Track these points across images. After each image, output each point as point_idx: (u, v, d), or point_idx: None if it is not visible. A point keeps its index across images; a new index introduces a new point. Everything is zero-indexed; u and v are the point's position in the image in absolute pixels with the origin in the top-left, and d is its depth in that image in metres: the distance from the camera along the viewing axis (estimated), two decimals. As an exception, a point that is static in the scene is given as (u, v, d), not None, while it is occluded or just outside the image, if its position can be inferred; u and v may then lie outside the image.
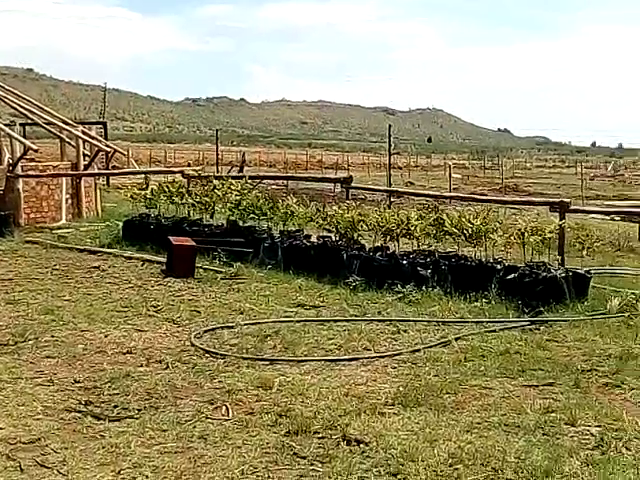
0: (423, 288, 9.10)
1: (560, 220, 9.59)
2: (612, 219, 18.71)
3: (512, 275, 8.82)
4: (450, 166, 37.43)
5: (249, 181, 13.21)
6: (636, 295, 8.82)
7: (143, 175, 14.99)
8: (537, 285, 8.57)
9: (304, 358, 6.61)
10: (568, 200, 10.06)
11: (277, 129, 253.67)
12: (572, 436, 4.93)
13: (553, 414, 5.29)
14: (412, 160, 79.31)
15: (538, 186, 40.21)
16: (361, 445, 4.74)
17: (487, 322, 7.96)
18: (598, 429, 5.03)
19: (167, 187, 12.25)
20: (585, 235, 9.35)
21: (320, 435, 4.89)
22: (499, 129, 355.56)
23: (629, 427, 5.05)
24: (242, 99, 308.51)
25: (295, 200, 11.20)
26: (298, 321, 7.85)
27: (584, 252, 12.46)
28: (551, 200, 10.82)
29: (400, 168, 60.57)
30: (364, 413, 5.26)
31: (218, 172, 22.11)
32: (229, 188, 11.55)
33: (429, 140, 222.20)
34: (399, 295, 8.98)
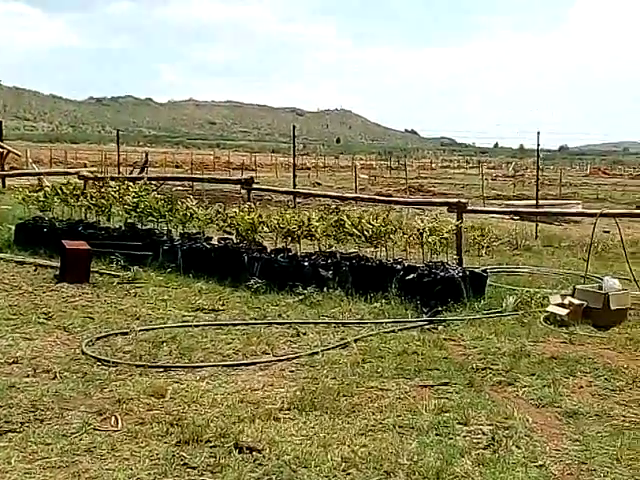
0: (324, 289, 9.07)
1: (458, 220, 9.72)
2: (511, 218, 19.17)
3: (411, 275, 8.90)
4: (355, 167, 37.67)
5: (153, 182, 12.91)
6: (530, 293, 9.05)
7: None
8: (436, 285, 8.67)
9: (200, 364, 6.44)
10: (465, 201, 10.24)
11: (185, 129, 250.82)
12: (465, 436, 4.96)
13: (447, 414, 5.32)
14: (320, 161, 79.66)
15: (442, 186, 41.02)
16: (254, 453, 4.63)
17: (386, 323, 7.99)
18: (490, 428, 5.07)
19: (61, 189, 11.81)
20: (480, 235, 9.50)
21: (212, 444, 4.75)
22: (406, 130, 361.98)
23: (520, 425, 5.13)
24: (148, 98, 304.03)
25: (195, 202, 11.00)
26: (196, 326, 7.68)
27: (483, 251, 12.80)
28: (449, 201, 10.97)
29: (309, 169, 60.75)
30: (259, 419, 5.16)
31: (119, 173, 21.56)
32: (126, 190, 11.24)
33: (338, 141, 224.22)
34: (300, 297, 8.92)
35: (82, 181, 13.24)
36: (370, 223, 9.60)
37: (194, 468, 4.43)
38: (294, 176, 17.69)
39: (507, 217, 18.36)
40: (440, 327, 7.92)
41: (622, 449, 4.75)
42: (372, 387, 5.93)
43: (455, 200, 10.36)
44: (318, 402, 5.49)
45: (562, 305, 8.21)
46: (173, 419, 5.12)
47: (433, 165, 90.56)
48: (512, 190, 36.70)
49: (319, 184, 39.62)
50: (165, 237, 10.90)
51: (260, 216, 10.11)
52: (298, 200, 20.50)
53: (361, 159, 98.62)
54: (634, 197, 33.90)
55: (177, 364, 6.44)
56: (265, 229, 10.24)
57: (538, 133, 17.10)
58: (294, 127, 18.51)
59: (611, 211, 11.73)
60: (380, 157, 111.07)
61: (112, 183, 11.91)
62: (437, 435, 4.94)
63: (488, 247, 13.35)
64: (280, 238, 10.11)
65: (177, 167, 56.30)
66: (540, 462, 4.56)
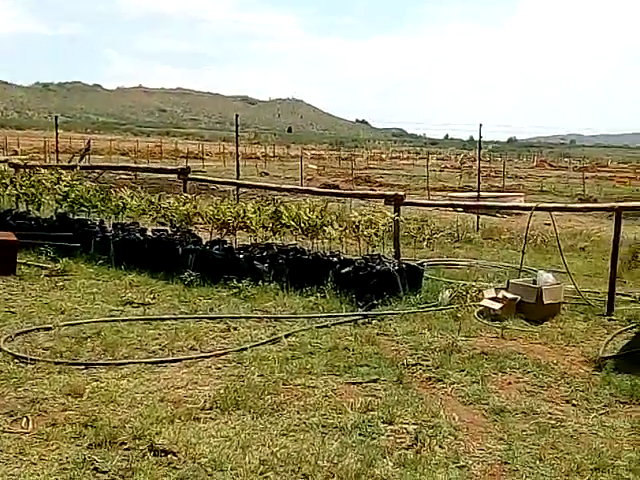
0: (260, 283, 8.92)
1: (395, 213, 9.63)
2: (455, 210, 19.21)
3: (347, 268, 8.78)
4: (301, 157, 37.51)
5: (97, 171, 12.56)
6: (466, 287, 9.00)
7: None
8: (371, 278, 8.57)
9: (123, 361, 6.23)
10: (402, 193, 10.15)
11: (134, 116, 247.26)
12: (389, 435, 4.86)
13: (373, 412, 5.22)
14: (271, 150, 79.21)
15: (390, 177, 41.09)
16: (169, 455, 4.46)
17: (319, 317, 7.86)
18: (415, 427, 4.98)
19: (-11, 177, 11.41)
20: (417, 228, 9.43)
21: (126, 446, 4.56)
22: (357, 120, 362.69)
23: (445, 423, 5.05)
24: (97, 85, 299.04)
25: (129, 192, 10.72)
26: (123, 320, 7.44)
27: (424, 244, 12.75)
28: (386, 193, 10.88)
29: (258, 158, 60.31)
30: (178, 420, 4.98)
31: (58, 161, 21.01)
32: (59, 179, 10.88)
33: (289, 130, 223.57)
34: (234, 290, 8.75)
35: (12, 169, 12.81)
36: (307, 215, 9.46)
37: (104, 472, 4.25)
38: (237, 166, 17.42)
39: (450, 209, 18.38)
40: (374, 321, 7.83)
41: (546, 448, 4.72)
42: (299, 385, 5.80)
43: (392, 193, 10.26)
44: (242, 401, 5.34)
45: (496, 299, 8.18)
46: (88, 420, 4.92)
47: (383, 156, 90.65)
48: (458, 181, 36.93)
49: (266, 174, 39.33)
50: (97, 228, 10.60)
51: (195, 207, 9.88)
52: (243, 190, 20.27)
53: (312, 149, 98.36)
54: (576, 190, 34.41)
55: (99, 361, 6.22)
56: (200, 220, 10.02)
57: (480, 125, 17.13)
58: (237, 116, 18.21)
59: (546, 205, 11.76)
60: (331, 147, 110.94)
61: (44, 171, 11.53)
62: (360, 435, 4.84)
63: (429, 239, 13.33)
64: (216, 229, 9.91)
65: (123, 155, 55.34)
66: (462, 462, 4.49)
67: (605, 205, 11.69)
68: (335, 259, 9.11)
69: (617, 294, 8.94)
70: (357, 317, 7.92)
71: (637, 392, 5.75)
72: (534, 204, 10.36)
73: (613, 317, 8.31)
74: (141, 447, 4.54)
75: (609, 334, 7.57)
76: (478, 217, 16.71)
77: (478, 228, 16.23)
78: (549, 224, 14.90)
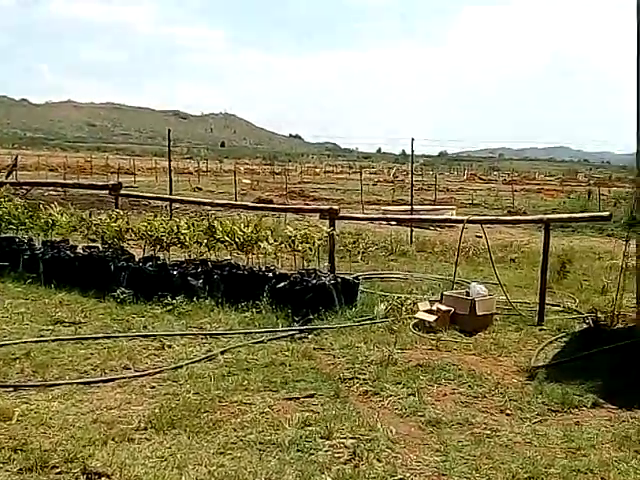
0: (194, 299, 8.82)
1: (330, 227, 9.66)
2: (388, 223, 19.37)
3: (283, 283, 8.76)
4: (235, 172, 37.37)
5: (25, 187, 12.21)
6: (401, 299, 9.07)
7: None
8: (307, 293, 8.56)
9: (54, 382, 6.06)
10: (337, 208, 10.19)
11: (63, 131, 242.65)
12: (326, 450, 4.84)
13: (310, 428, 5.19)
14: (204, 165, 78.63)
15: (324, 191, 41.19)
16: (102, 478, 4.36)
17: (256, 333, 7.81)
18: (353, 441, 4.98)
19: None
20: (353, 242, 9.48)
21: (58, 470, 4.45)
22: (291, 135, 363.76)
23: (382, 436, 5.06)
24: (24, 99, 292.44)
25: (59, 208, 10.48)
26: (53, 340, 7.25)
27: (358, 257, 12.82)
28: (321, 207, 10.92)
29: (191, 173, 59.75)
30: (111, 441, 4.88)
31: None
32: (-16, 196, 10.58)
33: (222, 145, 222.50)
34: (169, 307, 8.64)
35: None
36: (242, 230, 9.41)
37: (35, 498, 4.11)
38: (170, 181, 17.22)
39: (384, 222, 18.53)
40: (310, 336, 7.81)
41: (481, 458, 4.76)
42: (236, 402, 5.74)
43: (327, 207, 10.30)
44: (177, 420, 5.26)
45: (430, 311, 8.28)
46: (17, 444, 4.77)
47: (317, 170, 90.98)
48: (391, 195, 37.30)
49: (200, 189, 39.01)
50: (25, 245, 10.33)
51: (127, 223, 9.72)
52: (176, 206, 20.05)
53: (245, 163, 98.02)
54: (506, 203, 35.12)
55: (28, 383, 6.04)
56: (133, 237, 9.87)
57: (412, 140, 17.36)
58: (169, 131, 18.02)
59: (477, 218, 11.97)
60: (265, 162, 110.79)
61: (-32, 189, 11.19)
62: (298, 451, 4.81)
63: (364, 253, 13.42)
64: (148, 246, 9.77)
65: (52, 171, 54.12)
66: (400, 475, 4.51)
67: (534, 217, 11.96)
68: (270, 274, 9.07)
69: (547, 304, 9.13)
70: (293, 332, 7.90)
71: (568, 400, 5.87)
72: (466, 217, 10.54)
73: (544, 327, 8.48)
74: (74, 470, 4.43)
75: (540, 344, 7.72)
76: (412, 230, 16.89)
77: (412, 241, 16.39)
78: (480, 236, 15.17)
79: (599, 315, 8.54)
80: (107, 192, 13.16)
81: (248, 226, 9.39)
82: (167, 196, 16.14)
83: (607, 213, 10.12)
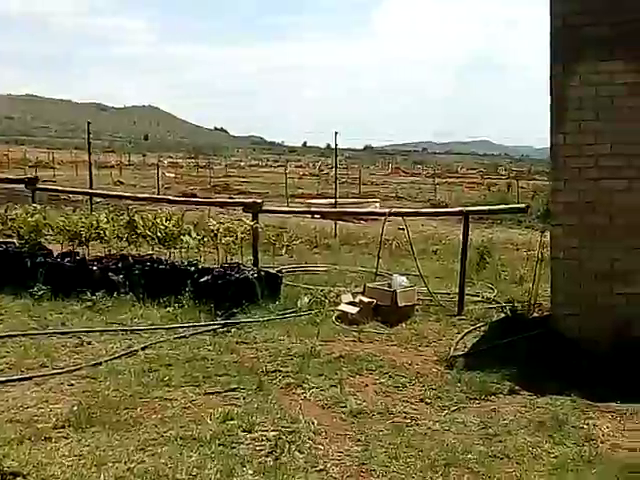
0: (115, 295, 8.68)
1: (253, 220, 9.63)
2: (313, 217, 19.43)
3: (205, 277, 8.70)
4: (158, 165, 36.89)
5: None
6: (325, 292, 9.13)
7: None
8: (230, 287, 8.52)
9: (-33, 382, 5.88)
10: (260, 201, 10.17)
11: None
12: (248, 444, 4.84)
13: (232, 422, 5.17)
14: (126, 159, 77.33)
15: (249, 185, 41.06)
16: (18, 478, 4.25)
17: (178, 328, 7.75)
18: (274, 433, 4.99)
19: None
20: (276, 235, 9.48)
21: (-29, 472, 4.31)
22: (216, 128, 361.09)
23: (304, 428, 5.08)
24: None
25: (-29, 203, 10.14)
26: (-33, 339, 7.04)
27: (283, 251, 12.81)
28: (244, 201, 10.88)
29: (113, 167, 58.66)
30: (27, 440, 4.77)
31: None
32: None
33: (145, 138, 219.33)
34: (88, 303, 8.48)
35: None
36: (164, 224, 9.30)
37: (-54, 502, 3.99)
38: (90, 175, 16.87)
39: (309, 216, 18.59)
40: (233, 330, 7.80)
41: (401, 446, 4.83)
42: (156, 397, 5.68)
43: (250, 200, 10.27)
44: (96, 417, 5.17)
45: (353, 303, 8.35)
46: None
47: (242, 163, 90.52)
48: (316, 188, 37.41)
49: (122, 183, 38.35)
50: None
51: (45, 218, 9.48)
52: (98, 200, 19.62)
53: (169, 157, 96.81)
54: (429, 196, 35.68)
55: (-60, 384, 5.84)
56: (50, 232, 9.63)
57: (336, 133, 17.45)
58: (89, 123, 17.65)
59: (399, 210, 12.14)
60: (189, 155, 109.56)
61: None
62: (220, 445, 4.79)
63: (288, 246, 13.41)
64: (67, 241, 9.55)
65: (-34, 164, 52.32)
66: (321, 466, 4.54)
67: (454, 210, 12.18)
68: (193, 268, 9.01)
69: (467, 295, 9.32)
70: (216, 326, 7.86)
71: (486, 388, 6.01)
72: (388, 210, 10.66)
73: (463, 317, 8.66)
74: (-13, 472, 4.30)
75: (460, 333, 7.88)
76: (336, 223, 16.98)
77: (336, 234, 16.50)
78: (403, 229, 15.40)
79: (516, 305, 8.76)
80: (24, 186, 12.79)
81: (170, 220, 9.29)
82: (87, 190, 15.80)
83: (524, 205, 10.40)
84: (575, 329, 6.79)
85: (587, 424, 5.29)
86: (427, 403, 5.75)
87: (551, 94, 6.85)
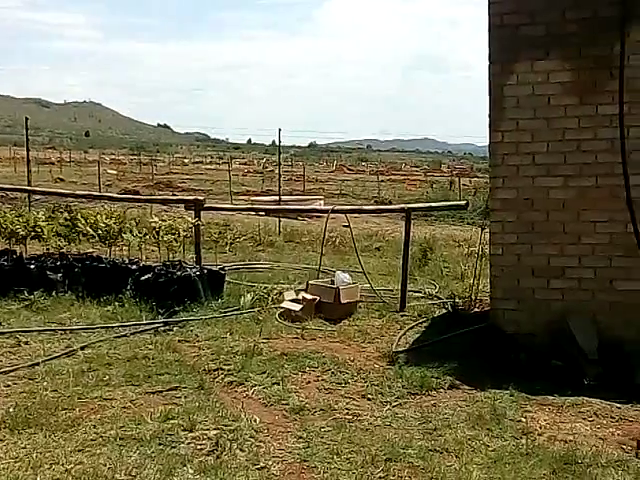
0: (53, 294, 8.53)
1: (195, 218, 9.55)
2: (257, 214, 19.37)
3: (147, 276, 8.60)
4: (99, 162, 36.33)
5: None
6: (268, 289, 9.12)
7: None
8: (172, 285, 8.45)
9: None
10: (202, 198, 10.09)
11: None
12: (189, 443, 4.80)
13: (173, 421, 5.12)
14: (67, 155, 75.96)
15: (193, 182, 40.75)
16: (-50, 483, 4.14)
17: (118, 327, 7.64)
18: (216, 432, 4.95)
19: None
20: (219, 232, 9.44)
21: None
22: (159, 125, 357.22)
23: (246, 426, 5.06)
24: None
25: None
26: None
27: (226, 248, 12.76)
28: (186, 198, 10.80)
29: (53, 163, 57.62)
30: (-39, 444, 4.64)
31: None
32: None
33: (87, 134, 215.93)
34: (25, 303, 8.32)
35: None
36: (104, 222, 9.17)
37: None
38: (28, 171, 16.52)
39: (252, 213, 18.52)
40: (175, 328, 7.73)
41: (342, 442, 4.85)
42: (96, 397, 5.59)
43: (192, 198, 10.19)
44: (33, 418, 5.07)
45: (296, 300, 8.36)
46: None
47: (186, 160, 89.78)
48: (261, 186, 37.33)
49: (62, 180, 37.67)
50: None
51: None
52: (37, 198, 19.23)
53: (112, 154, 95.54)
54: (372, 193, 35.93)
55: None
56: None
57: (279, 130, 17.43)
58: (27, 119, 17.26)
59: (342, 208, 12.18)
60: (132, 152, 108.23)
61: None
62: (160, 445, 4.73)
63: (231, 244, 13.37)
64: (3, 239, 9.34)
65: None
66: (262, 464, 4.52)
67: (396, 207, 12.28)
68: (134, 266, 8.91)
69: (409, 291, 9.42)
70: (157, 325, 7.79)
71: (427, 383, 6.07)
72: (330, 207, 10.70)
73: (406, 313, 8.73)
74: None
75: (402, 329, 7.95)
76: (280, 220, 16.98)
77: (280, 231, 16.49)
78: (347, 226, 15.49)
79: (457, 300, 8.90)
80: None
81: (111, 218, 9.16)
82: (25, 187, 15.46)
83: (464, 202, 10.54)
84: (514, 324, 6.90)
85: (525, 417, 5.39)
86: (369, 399, 5.78)
87: (490, 93, 6.94)
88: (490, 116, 6.96)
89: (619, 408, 5.60)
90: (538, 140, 6.80)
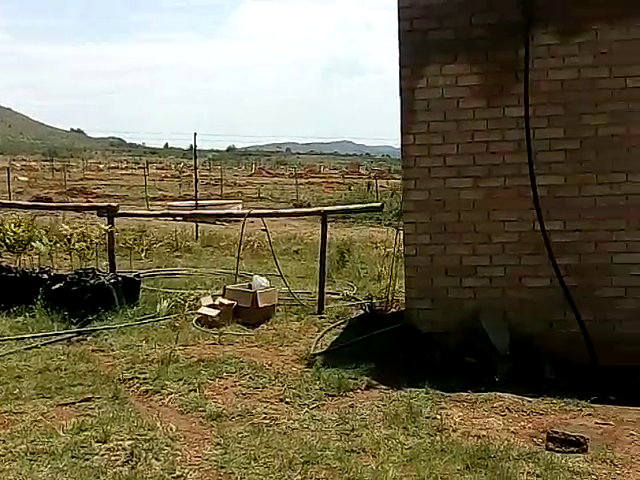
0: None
1: (108, 224, 9.37)
2: (174, 219, 19.13)
3: (58, 285, 8.39)
4: (9, 169, 35.27)
5: None
6: (185, 295, 9.01)
7: None
8: (85, 293, 8.27)
9: None
10: (115, 204, 9.91)
11: None
12: (103, 454, 4.69)
13: (86, 432, 5.00)
14: (-25, 162, 73.30)
15: (108, 188, 39.95)
16: None
17: (30, 338, 7.43)
18: (130, 442, 4.86)
19: None
20: (133, 239, 9.28)
21: None
22: (72, 129, 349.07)
23: (162, 435, 4.98)
24: None
25: None
26: None
27: (142, 254, 12.56)
28: (98, 205, 10.59)
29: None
30: None
31: None
32: None
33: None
34: None
35: None
36: (12, 230, 8.89)
37: None
38: None
39: (170, 218, 18.29)
40: (89, 338, 7.58)
41: (260, 447, 4.83)
42: (6, 412, 5.43)
43: (105, 204, 9.99)
44: (-63, 437, 4.87)
45: (213, 306, 8.29)
46: None
47: (101, 166, 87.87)
48: (178, 191, 36.91)
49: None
50: None
51: None
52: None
53: (23, 159, 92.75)
54: (291, 196, 35.99)
55: None
56: None
57: (195, 134, 17.28)
58: None
59: (258, 211, 12.17)
60: (44, 158, 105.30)
61: None
62: (73, 457, 4.62)
63: (147, 250, 13.17)
64: None
65: None
66: (179, 472, 4.46)
67: (312, 209, 12.35)
68: (45, 275, 8.67)
69: (327, 293, 9.48)
70: (70, 335, 7.61)
71: (344, 384, 6.11)
72: (247, 211, 10.67)
73: (324, 315, 8.77)
74: None
75: (320, 332, 7.98)
76: (197, 225, 16.82)
77: (197, 236, 16.33)
78: (265, 229, 15.45)
79: (375, 301, 9.00)
80: None
81: (20, 226, 8.89)
82: None
83: (379, 204, 10.66)
84: (428, 323, 7.01)
85: (440, 414, 5.48)
86: (287, 402, 5.78)
87: (401, 96, 7.05)
88: (402, 119, 7.06)
89: (530, 402, 5.76)
90: (448, 142, 6.94)
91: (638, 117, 6.57)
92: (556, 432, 4.96)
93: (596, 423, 5.37)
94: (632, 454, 4.81)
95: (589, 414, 5.56)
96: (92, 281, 8.42)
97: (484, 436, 5.07)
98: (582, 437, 4.88)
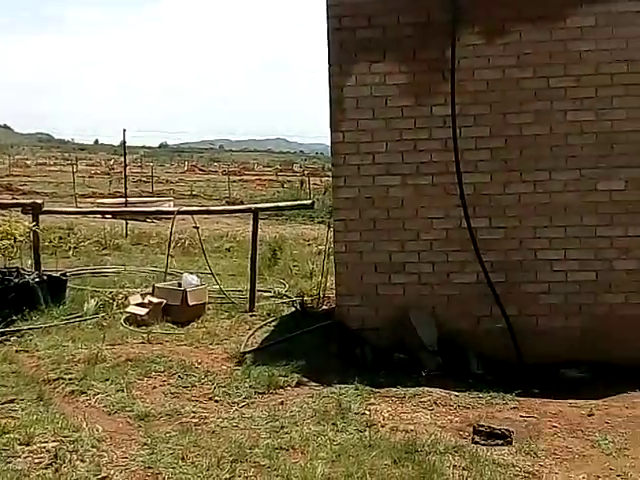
0: None
1: (33, 222, 9.14)
2: (104, 217, 18.83)
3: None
4: None
5: None
6: (113, 294, 8.87)
7: None
8: (9, 293, 8.07)
9: None
10: (40, 202, 9.67)
11: None
12: (26, 457, 4.59)
13: (8, 435, 4.88)
14: None
15: (36, 184, 39.00)
16: None
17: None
18: (55, 444, 4.76)
19: None
20: (59, 237, 9.09)
21: None
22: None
23: (87, 436, 4.90)
24: None
25: None
26: None
27: (70, 252, 12.31)
28: (23, 202, 10.34)
29: None
30: None
31: None
32: None
33: None
34: None
35: None
36: None
37: None
38: None
39: (98, 216, 17.98)
40: (13, 338, 7.41)
41: (188, 447, 4.79)
42: None
43: (29, 201, 9.75)
44: None
45: (142, 304, 8.18)
46: None
47: (28, 162, 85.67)
48: (108, 188, 36.28)
49: None
50: None
51: None
52: None
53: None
54: (224, 193, 35.78)
55: None
56: None
57: (124, 131, 17.03)
58: None
59: (188, 209, 12.06)
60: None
61: None
62: (-5, 461, 4.50)
63: (75, 248, 12.91)
64: None
65: None
66: (104, 473, 4.40)
67: (243, 207, 12.31)
68: (-34, 276, 8.40)
69: (259, 290, 9.44)
70: (-7, 335, 7.40)
71: (274, 382, 6.11)
72: (177, 208, 10.56)
73: (255, 313, 8.74)
74: None
75: (251, 329, 7.95)
76: (127, 223, 16.56)
77: (127, 234, 16.08)
78: (197, 227, 15.29)
79: (306, 298, 9.01)
80: None
81: None
82: None
83: (310, 201, 10.69)
84: (358, 319, 7.06)
85: (369, 410, 5.53)
86: (216, 401, 5.75)
87: (330, 94, 7.07)
88: (331, 116, 7.08)
89: (457, 396, 5.86)
90: (377, 140, 6.99)
91: (561, 116, 6.75)
92: (482, 425, 5.06)
93: (521, 416, 5.50)
94: (555, 445, 4.95)
95: (514, 407, 5.69)
96: (16, 280, 8.22)
97: (412, 431, 5.14)
98: (507, 430, 4.99)
